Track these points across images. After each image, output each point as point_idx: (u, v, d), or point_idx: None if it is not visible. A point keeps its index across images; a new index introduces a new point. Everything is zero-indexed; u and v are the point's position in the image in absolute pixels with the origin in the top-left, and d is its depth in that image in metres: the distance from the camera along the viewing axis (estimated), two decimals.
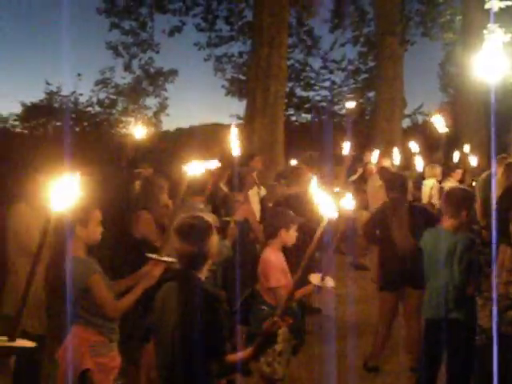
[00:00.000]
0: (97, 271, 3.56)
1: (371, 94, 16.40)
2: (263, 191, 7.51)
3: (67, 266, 3.58)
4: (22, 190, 4.26)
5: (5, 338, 2.19)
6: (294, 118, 17.76)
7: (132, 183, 6.31)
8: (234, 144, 4.41)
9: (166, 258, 3.45)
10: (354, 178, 9.44)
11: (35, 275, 2.29)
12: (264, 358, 4.07)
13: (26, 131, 12.77)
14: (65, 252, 3.63)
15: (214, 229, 2.91)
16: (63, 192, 2.21)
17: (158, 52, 15.20)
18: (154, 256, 3.51)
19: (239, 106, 17.51)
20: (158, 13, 15.25)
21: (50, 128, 12.45)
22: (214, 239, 2.91)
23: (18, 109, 12.70)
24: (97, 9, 14.76)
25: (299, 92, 17.96)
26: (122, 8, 15.12)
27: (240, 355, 2.74)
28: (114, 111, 13.34)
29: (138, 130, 6.52)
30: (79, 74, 12.68)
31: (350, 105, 11.58)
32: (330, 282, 3.42)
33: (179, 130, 16.68)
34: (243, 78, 16.05)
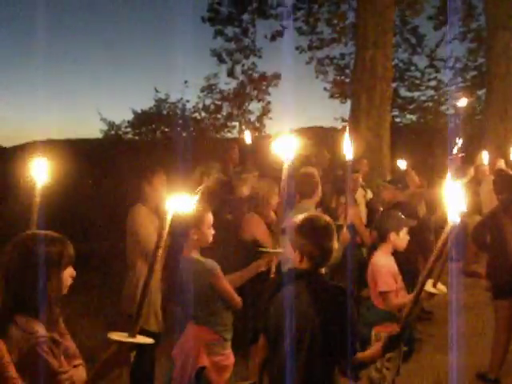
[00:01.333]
0: (218, 267, 3.69)
1: (480, 92, 15.67)
2: (369, 194, 7.40)
3: (183, 266, 3.73)
4: (139, 192, 4.48)
5: (125, 334, 2.30)
6: (398, 120, 17.32)
7: (240, 187, 6.42)
8: (345, 147, 4.37)
9: (274, 250, 3.57)
10: (466, 180, 9.03)
11: (153, 275, 2.39)
12: (373, 364, 4.00)
13: (136, 137, 13.42)
14: (180, 253, 3.78)
15: (335, 230, 2.90)
16: (189, 195, 2.28)
17: (260, 57, 15.45)
18: (264, 249, 3.64)
19: (342, 109, 17.32)
20: (260, 19, 15.49)
21: (158, 134, 13.01)
22: (336, 240, 2.89)
23: (129, 116, 13.39)
24: (201, 17, 15.24)
25: (403, 92, 17.51)
26: (225, 16, 15.50)
27: (369, 353, 2.71)
28: (219, 116, 13.70)
29: (244, 135, 6.64)
30: (186, 82, 13.17)
31: (462, 103, 11.03)
32: (442, 289, 3.30)
33: (280, 134, 16.72)
34: (345, 79, 15.91)
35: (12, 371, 1.96)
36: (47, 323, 2.36)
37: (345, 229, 4.61)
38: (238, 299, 3.77)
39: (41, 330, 2.30)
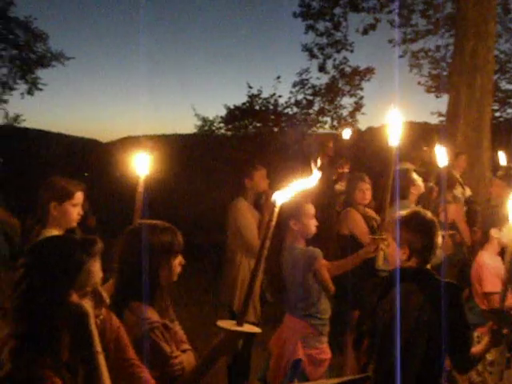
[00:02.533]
0: (321, 254, 3.72)
1: None
2: (468, 191, 7.12)
3: (286, 256, 3.78)
4: (240, 186, 4.58)
5: (233, 322, 2.35)
6: (498, 114, 16.49)
7: (335, 182, 6.40)
8: (441, 143, 4.25)
9: (381, 236, 3.51)
10: None
11: (260, 267, 2.41)
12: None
13: (228, 133, 13.66)
14: (281, 243, 3.83)
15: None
16: (281, 188, 2.28)
17: (352, 51, 15.22)
18: (375, 236, 3.60)
19: (437, 103, 16.70)
20: (352, 12, 15.25)
21: (250, 129, 13.16)
22: (440, 236, 2.82)
23: (222, 112, 13.65)
24: (293, 13, 15.22)
25: (504, 85, 16.64)
26: (316, 10, 15.39)
27: (479, 348, 2.65)
28: (310, 111, 13.65)
29: (343, 131, 6.59)
30: (278, 77, 13.22)
31: None
32: None
33: (370, 129, 16.51)
34: (442, 73, 15.34)
35: (131, 352, 2.06)
36: (159, 309, 2.47)
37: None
38: (332, 288, 3.81)
39: (154, 316, 2.40)
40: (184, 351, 2.52)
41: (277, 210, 2.28)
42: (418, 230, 2.73)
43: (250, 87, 13.27)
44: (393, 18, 15.34)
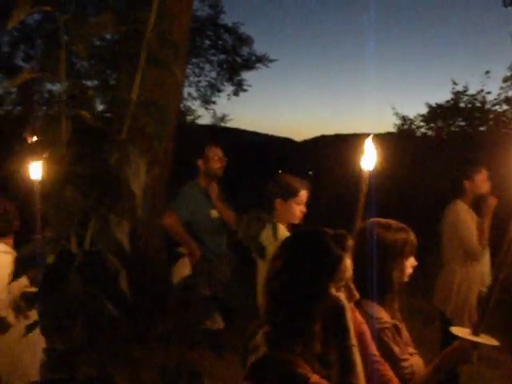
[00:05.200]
0: None
1: None
2: None
3: None
4: (459, 188, 4.37)
5: (468, 331, 2.23)
6: None
7: None
8: None
9: None
10: None
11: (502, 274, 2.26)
12: None
13: (429, 132, 13.15)
14: None
15: None
16: None
17: None
18: None
19: None
20: None
21: (453, 128, 12.52)
22: None
23: (423, 110, 13.15)
24: (503, 1, 14.08)
25: None
26: None
27: None
28: None
29: None
30: (487, 72, 12.37)
31: None
32: None
33: None
34: None
35: (374, 349, 2.07)
36: (389, 310, 2.45)
37: None
38: None
39: (385, 316, 2.39)
40: (411, 355, 2.47)
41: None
42: None
43: (455, 84, 12.60)
44: None
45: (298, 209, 3.42)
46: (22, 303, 3.11)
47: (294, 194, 3.41)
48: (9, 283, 3.27)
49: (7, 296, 3.24)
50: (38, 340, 3.45)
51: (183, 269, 4.41)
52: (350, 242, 1.86)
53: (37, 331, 3.51)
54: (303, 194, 3.45)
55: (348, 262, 1.83)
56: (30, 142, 2.01)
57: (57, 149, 1.45)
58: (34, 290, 3.28)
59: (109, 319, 1.51)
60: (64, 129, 1.43)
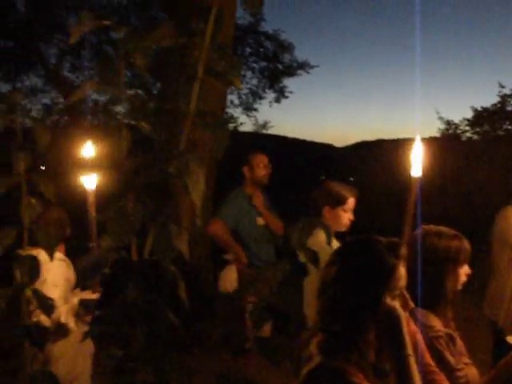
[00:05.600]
0: None
1: None
2: None
3: None
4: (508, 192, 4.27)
5: None
6: None
7: None
8: None
9: None
10: None
11: None
12: None
13: (475, 136, 12.89)
14: None
15: None
16: None
17: None
18: None
19: None
20: None
21: (500, 132, 12.24)
22: None
23: (469, 114, 12.91)
24: None
25: None
26: None
27: None
28: None
29: None
30: None
31: None
32: None
33: None
34: None
35: (429, 359, 2.04)
36: (443, 319, 2.41)
37: None
38: None
39: (438, 325, 2.35)
40: (466, 365, 2.42)
41: None
42: None
43: (502, 86, 12.32)
44: None
45: (345, 216, 3.40)
46: (80, 310, 3.18)
47: (342, 201, 3.39)
48: (71, 290, 3.36)
49: (66, 303, 3.32)
50: (90, 346, 3.53)
51: (229, 276, 4.44)
52: (404, 251, 1.84)
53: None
54: (351, 202, 3.42)
55: (402, 271, 1.81)
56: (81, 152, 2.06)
57: (117, 159, 1.48)
58: (91, 296, 3.37)
59: (167, 327, 1.53)
60: (124, 139, 1.46)
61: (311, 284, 2.60)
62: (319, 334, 1.81)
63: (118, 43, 1.49)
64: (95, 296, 3.45)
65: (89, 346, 3.43)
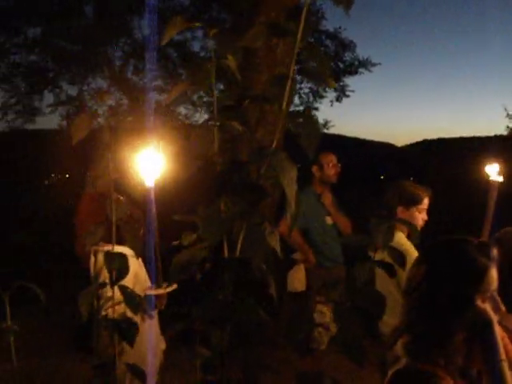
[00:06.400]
0: None
1: None
2: None
3: None
4: None
5: None
6: None
7: None
8: None
9: None
10: None
11: None
12: None
13: None
14: None
15: None
16: None
17: None
18: None
19: None
20: None
21: None
22: None
23: None
24: None
25: None
26: None
27: None
28: None
29: None
30: None
31: None
32: None
33: None
34: None
35: None
36: None
37: None
38: None
39: None
40: None
41: None
42: None
43: None
44: None
45: (419, 217, 3.33)
46: (145, 305, 3.23)
47: (417, 201, 3.32)
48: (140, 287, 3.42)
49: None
50: (158, 342, 3.59)
51: (298, 275, 4.42)
52: (495, 252, 1.78)
53: (156, 333, 3.63)
54: (426, 202, 3.35)
55: (494, 273, 1.75)
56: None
57: (209, 159, 1.50)
58: (154, 292, 3.41)
59: (257, 324, 1.53)
60: (216, 138, 1.48)
61: (387, 285, 2.57)
62: (405, 335, 1.78)
63: (209, 44, 1.51)
64: (162, 291, 3.51)
65: (156, 341, 3.50)
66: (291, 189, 1.39)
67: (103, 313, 3.00)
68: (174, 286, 3.30)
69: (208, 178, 1.51)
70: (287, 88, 1.46)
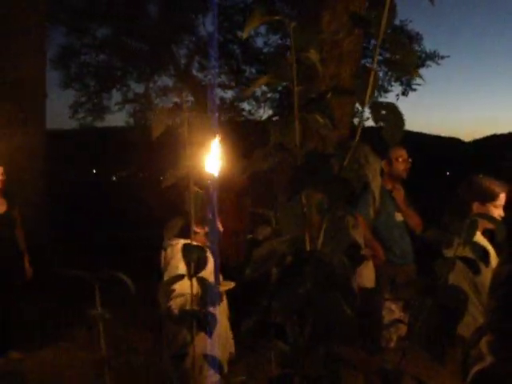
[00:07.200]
0: None
1: None
2: None
3: None
4: None
5: None
6: None
7: None
8: None
9: None
10: None
11: None
12: None
13: None
14: None
15: None
16: None
17: None
18: None
19: None
20: None
21: None
22: None
23: None
24: None
25: None
26: None
27: None
28: None
29: None
30: None
31: None
32: None
33: None
34: None
35: None
36: None
37: None
38: None
39: None
40: None
41: None
42: None
43: None
44: None
45: (496, 213, 3.21)
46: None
47: (493, 197, 3.21)
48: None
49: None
50: (227, 335, 3.62)
51: (367, 272, 4.36)
52: None
53: (225, 326, 3.67)
54: (502, 197, 3.23)
55: None
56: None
57: (292, 152, 1.49)
58: (230, 286, 3.42)
59: (338, 318, 1.52)
60: (297, 132, 1.47)
61: (461, 283, 2.50)
62: (489, 333, 1.73)
63: (289, 37, 1.51)
64: (233, 285, 3.53)
65: (225, 334, 3.53)
66: (376, 181, 1.37)
67: (168, 305, 3.06)
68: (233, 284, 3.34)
69: (287, 172, 1.51)
70: (370, 80, 1.44)
